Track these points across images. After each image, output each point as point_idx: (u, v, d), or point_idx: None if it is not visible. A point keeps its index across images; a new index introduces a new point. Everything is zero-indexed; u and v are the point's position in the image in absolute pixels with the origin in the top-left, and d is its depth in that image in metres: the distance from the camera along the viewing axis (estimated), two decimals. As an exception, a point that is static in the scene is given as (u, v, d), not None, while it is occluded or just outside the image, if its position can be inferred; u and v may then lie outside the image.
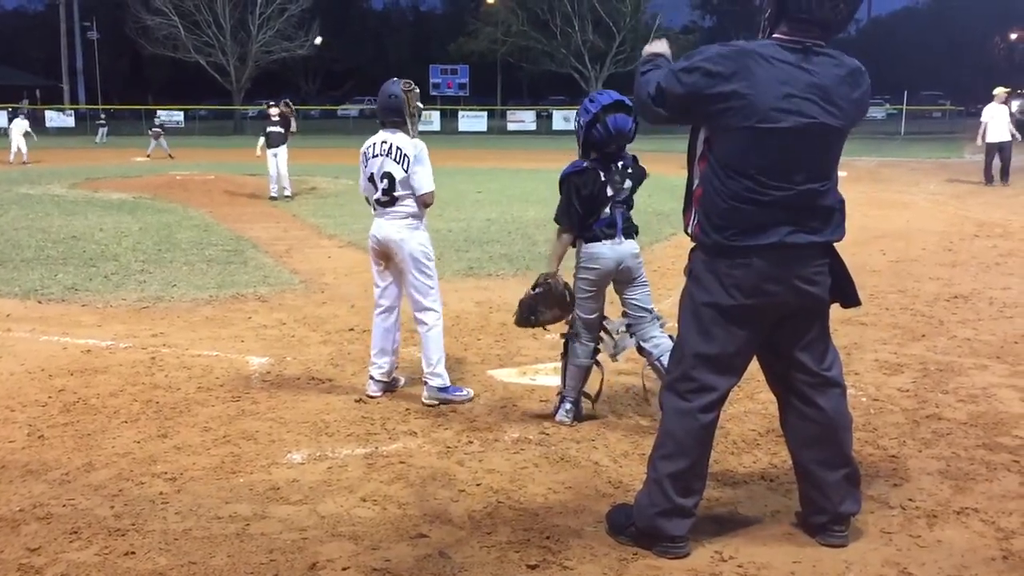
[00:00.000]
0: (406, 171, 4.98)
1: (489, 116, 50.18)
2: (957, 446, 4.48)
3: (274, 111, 16.56)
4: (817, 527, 3.49)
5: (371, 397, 5.24)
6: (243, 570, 3.27)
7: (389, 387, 5.35)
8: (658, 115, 3.32)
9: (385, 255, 5.17)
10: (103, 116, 41.32)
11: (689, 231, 3.39)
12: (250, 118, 53.09)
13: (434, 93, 57.09)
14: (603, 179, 4.62)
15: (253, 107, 63.48)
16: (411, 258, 5.06)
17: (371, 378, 5.30)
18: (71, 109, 52.81)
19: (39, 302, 7.77)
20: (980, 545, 3.45)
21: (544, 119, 51.97)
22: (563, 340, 4.94)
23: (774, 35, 3.24)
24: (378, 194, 5.08)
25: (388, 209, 5.08)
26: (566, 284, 4.80)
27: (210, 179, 20.00)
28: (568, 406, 4.87)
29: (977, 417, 4.90)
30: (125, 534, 3.55)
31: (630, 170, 4.69)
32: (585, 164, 4.67)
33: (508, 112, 54.09)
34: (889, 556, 3.37)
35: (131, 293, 8.13)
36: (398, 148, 5.01)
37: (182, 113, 49.29)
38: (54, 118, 50.04)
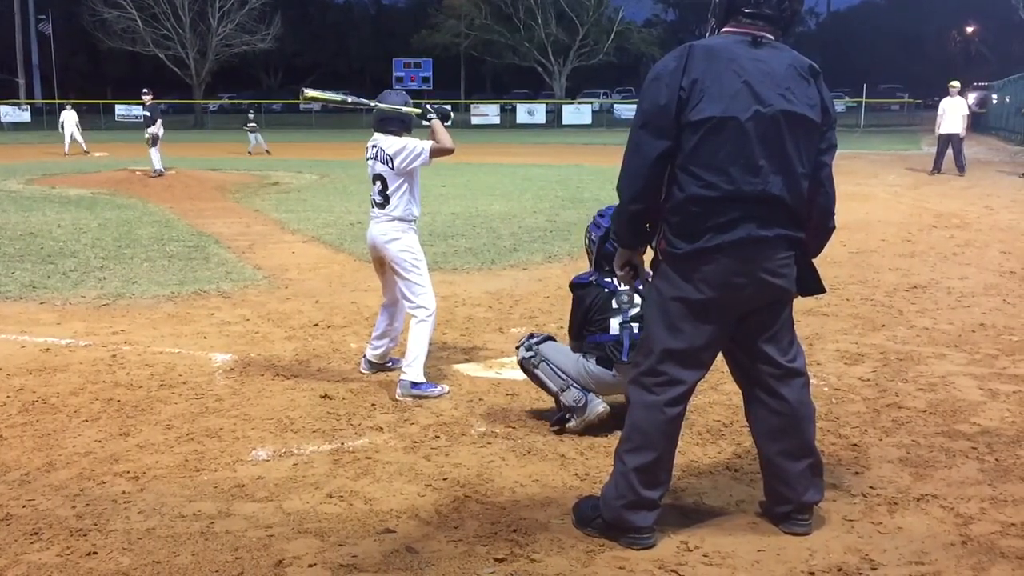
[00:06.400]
0: (393, 168, 5.17)
1: (453, 110, 50.07)
2: (917, 434, 4.55)
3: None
4: (781, 516, 3.52)
5: (361, 374, 5.57)
6: (208, 569, 3.24)
7: (382, 368, 5.59)
8: (655, 150, 3.17)
9: (377, 257, 5.40)
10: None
11: (654, 245, 3.40)
12: (211, 112, 52.30)
13: (397, 87, 56.85)
14: (607, 292, 4.58)
15: (214, 101, 62.68)
16: (395, 260, 5.25)
17: (364, 357, 5.62)
18: (27, 104, 51.89)
19: (-4, 300, 7.63)
20: (940, 531, 3.51)
21: (508, 113, 51.96)
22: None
23: (723, 30, 3.28)
24: (375, 195, 5.27)
25: (379, 211, 5.28)
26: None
27: (171, 174, 19.73)
28: None
29: (936, 405, 4.98)
30: (87, 534, 3.50)
31: (641, 287, 4.31)
32: (591, 278, 4.65)
33: (472, 106, 53.96)
34: (851, 543, 3.41)
35: (91, 290, 8.01)
36: (382, 149, 5.22)
37: (141, 107, 48.56)
38: (9, 113, 49.18)
